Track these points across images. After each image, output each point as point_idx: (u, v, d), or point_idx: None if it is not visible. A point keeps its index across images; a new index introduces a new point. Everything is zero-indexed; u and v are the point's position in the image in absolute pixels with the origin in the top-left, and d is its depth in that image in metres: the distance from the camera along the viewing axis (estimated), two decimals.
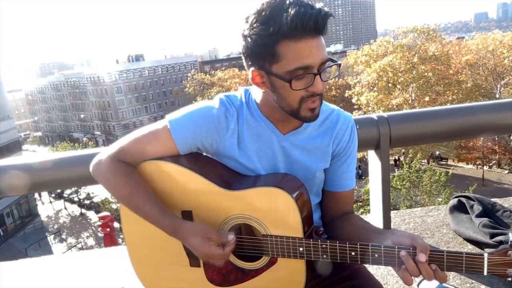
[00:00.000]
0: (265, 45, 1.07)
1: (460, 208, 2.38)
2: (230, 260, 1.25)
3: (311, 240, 1.15)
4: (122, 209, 1.32)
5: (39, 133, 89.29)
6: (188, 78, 59.90)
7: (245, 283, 1.26)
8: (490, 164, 30.01)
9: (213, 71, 57.88)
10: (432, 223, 2.51)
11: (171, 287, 1.36)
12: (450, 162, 32.32)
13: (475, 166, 29.70)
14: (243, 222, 1.22)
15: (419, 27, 31.73)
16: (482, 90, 30.60)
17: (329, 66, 1.12)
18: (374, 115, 2.19)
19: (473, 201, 2.35)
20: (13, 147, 37.65)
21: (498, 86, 31.50)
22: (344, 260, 1.12)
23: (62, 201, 38.90)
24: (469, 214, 2.32)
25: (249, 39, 1.10)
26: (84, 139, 66.72)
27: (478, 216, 2.23)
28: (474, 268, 1.01)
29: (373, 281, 1.26)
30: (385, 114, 2.19)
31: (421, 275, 1.02)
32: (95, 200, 34.08)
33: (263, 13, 1.07)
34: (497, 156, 28.64)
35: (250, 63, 1.15)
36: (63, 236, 32.29)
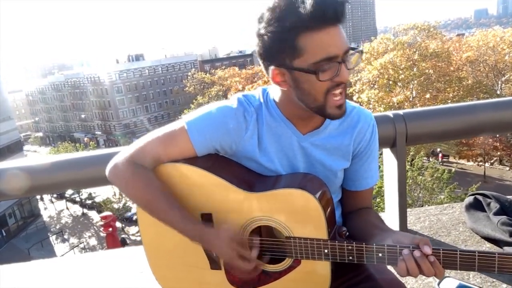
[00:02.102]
0: (284, 41, 1.04)
1: (476, 206, 2.35)
2: None
3: (336, 241, 1.12)
4: (138, 211, 1.29)
5: (40, 134, 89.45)
6: (188, 77, 60.08)
7: (268, 285, 1.24)
8: (492, 161, 29.96)
9: (213, 70, 58.01)
10: (448, 221, 2.48)
11: None
12: (451, 159, 32.29)
13: (476, 163, 29.66)
14: (264, 224, 1.19)
15: (419, 24, 31.67)
16: (483, 87, 30.48)
17: (352, 54, 1.09)
18: (390, 113, 2.16)
19: (490, 198, 2.32)
20: (14, 147, 37.84)
21: (499, 82, 31.42)
22: (371, 262, 1.10)
23: (64, 201, 38.94)
24: (486, 212, 2.29)
25: (265, 38, 1.07)
26: (85, 139, 66.80)
27: (496, 214, 2.20)
28: (507, 269, 0.98)
29: (396, 281, 1.23)
30: (401, 112, 2.15)
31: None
32: (97, 200, 34.12)
33: (278, 9, 1.04)
34: (499, 153, 28.57)
35: (268, 62, 1.12)
36: (65, 236, 32.35)
